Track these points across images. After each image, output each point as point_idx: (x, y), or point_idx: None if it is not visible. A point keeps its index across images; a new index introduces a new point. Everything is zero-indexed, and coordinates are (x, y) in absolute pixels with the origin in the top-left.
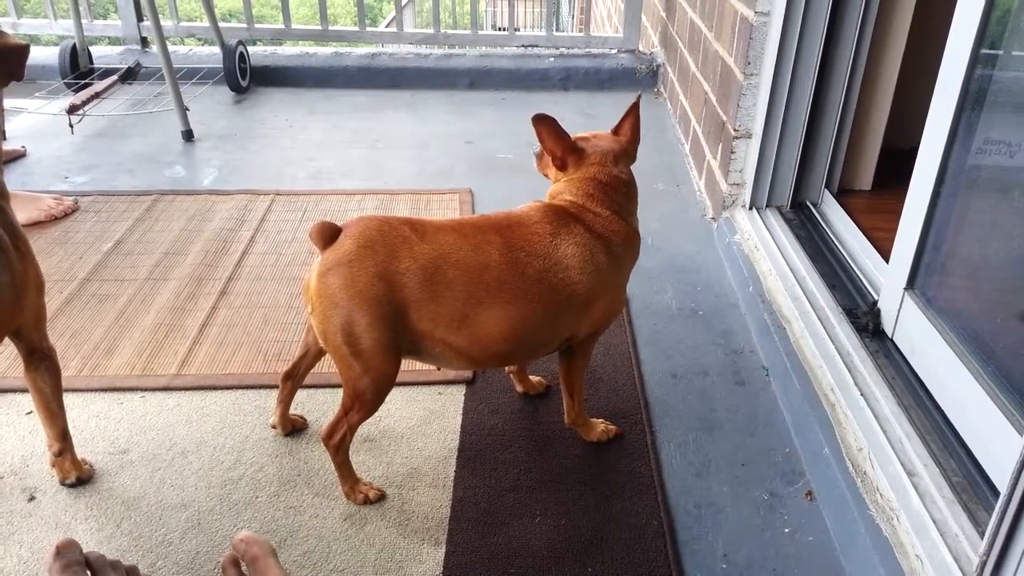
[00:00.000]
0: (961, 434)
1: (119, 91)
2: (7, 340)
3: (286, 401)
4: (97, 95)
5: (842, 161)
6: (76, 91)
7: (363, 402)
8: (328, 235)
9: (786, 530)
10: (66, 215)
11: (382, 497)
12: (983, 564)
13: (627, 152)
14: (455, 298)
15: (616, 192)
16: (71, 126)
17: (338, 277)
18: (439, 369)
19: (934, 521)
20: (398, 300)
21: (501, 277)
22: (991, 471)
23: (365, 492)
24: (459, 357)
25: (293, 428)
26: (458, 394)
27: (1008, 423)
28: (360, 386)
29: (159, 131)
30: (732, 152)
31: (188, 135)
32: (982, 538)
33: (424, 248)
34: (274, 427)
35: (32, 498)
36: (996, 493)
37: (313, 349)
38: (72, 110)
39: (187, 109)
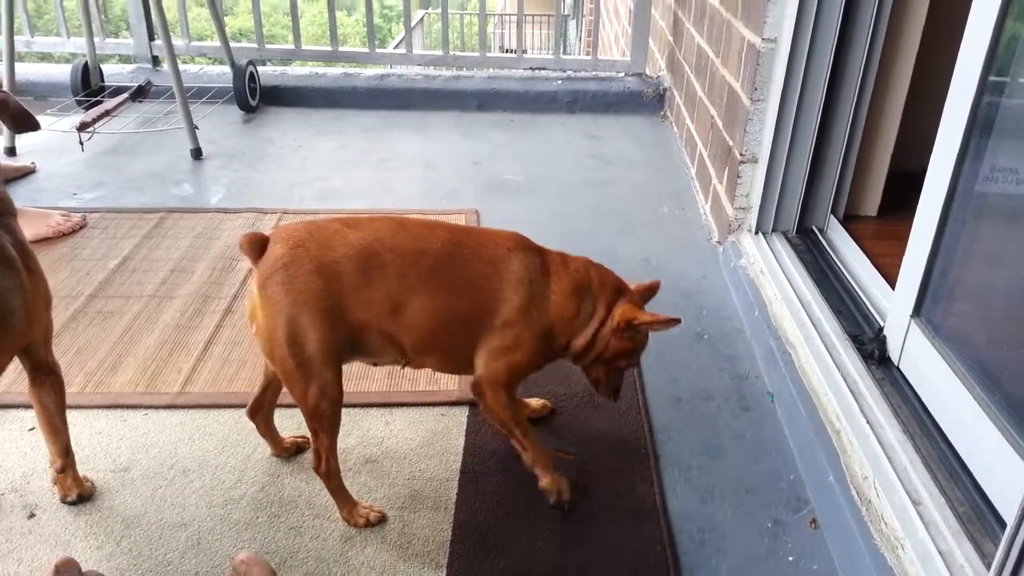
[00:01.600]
0: (967, 463)
1: (129, 109)
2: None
3: (268, 433)
4: (108, 113)
5: (848, 187)
6: (87, 108)
7: (321, 418)
8: (258, 246)
9: (790, 558)
10: (74, 232)
11: (383, 519)
12: None
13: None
14: (388, 282)
15: (594, 278)
16: (81, 143)
17: (277, 283)
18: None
19: (939, 551)
20: (336, 291)
21: (437, 266)
22: (997, 501)
23: (365, 515)
24: (393, 347)
25: (298, 450)
26: (461, 415)
27: (1015, 453)
28: (311, 399)
29: (168, 149)
30: (738, 176)
31: (197, 153)
32: (988, 569)
33: (357, 235)
34: (277, 456)
35: (32, 515)
36: (1002, 524)
37: (275, 381)
38: (83, 127)
39: (196, 128)
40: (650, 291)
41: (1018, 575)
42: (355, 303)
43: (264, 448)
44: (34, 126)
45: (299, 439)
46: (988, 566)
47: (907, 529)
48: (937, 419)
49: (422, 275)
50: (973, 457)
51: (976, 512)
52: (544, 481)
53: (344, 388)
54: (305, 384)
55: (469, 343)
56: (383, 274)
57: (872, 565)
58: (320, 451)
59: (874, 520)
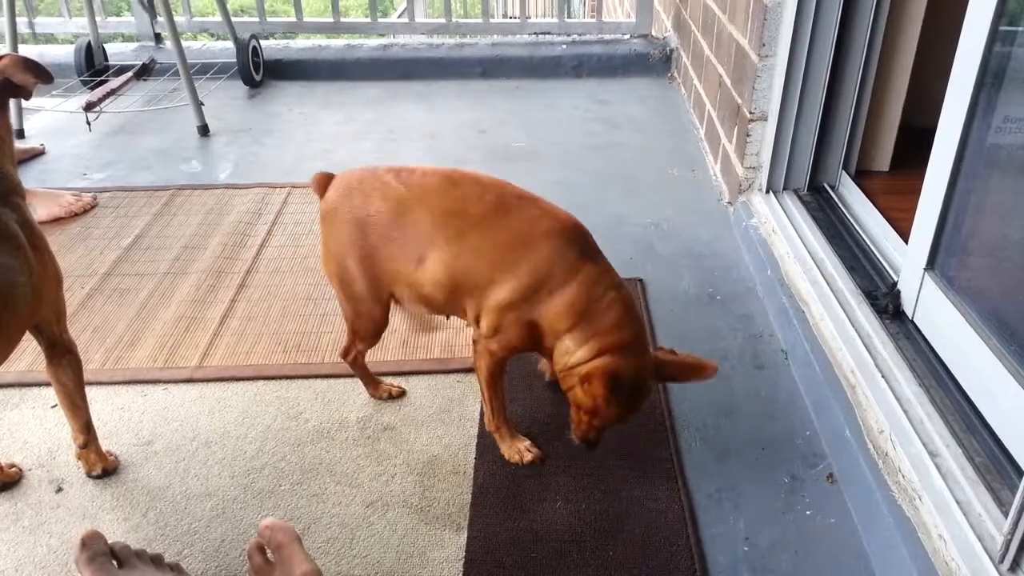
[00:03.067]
0: (983, 414)
1: (134, 88)
2: (29, 335)
3: (365, 374)
4: (113, 92)
5: (859, 142)
6: (92, 88)
7: (363, 337)
8: (324, 185)
9: (807, 512)
10: (85, 211)
11: (403, 393)
12: (1007, 543)
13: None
14: (418, 238)
15: (615, 313)
16: (88, 123)
17: (326, 226)
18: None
19: (957, 501)
20: (370, 242)
21: (466, 228)
22: (1014, 450)
23: (388, 389)
24: (418, 299)
25: (390, 396)
26: (476, 382)
27: None
28: (356, 326)
29: (175, 126)
30: (748, 135)
31: (204, 130)
32: (1006, 518)
33: (398, 191)
34: (374, 397)
35: (59, 489)
36: (1020, 472)
37: None
38: (89, 107)
39: (202, 104)
40: (696, 370)
41: None
42: (387, 255)
43: (284, 419)
44: (47, 76)
45: (393, 387)
46: (1006, 514)
47: (924, 480)
48: (952, 371)
49: (449, 236)
50: (989, 407)
51: (993, 462)
52: (502, 449)
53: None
54: (354, 315)
55: (477, 301)
56: (415, 230)
57: (890, 517)
58: (352, 349)
59: (891, 472)
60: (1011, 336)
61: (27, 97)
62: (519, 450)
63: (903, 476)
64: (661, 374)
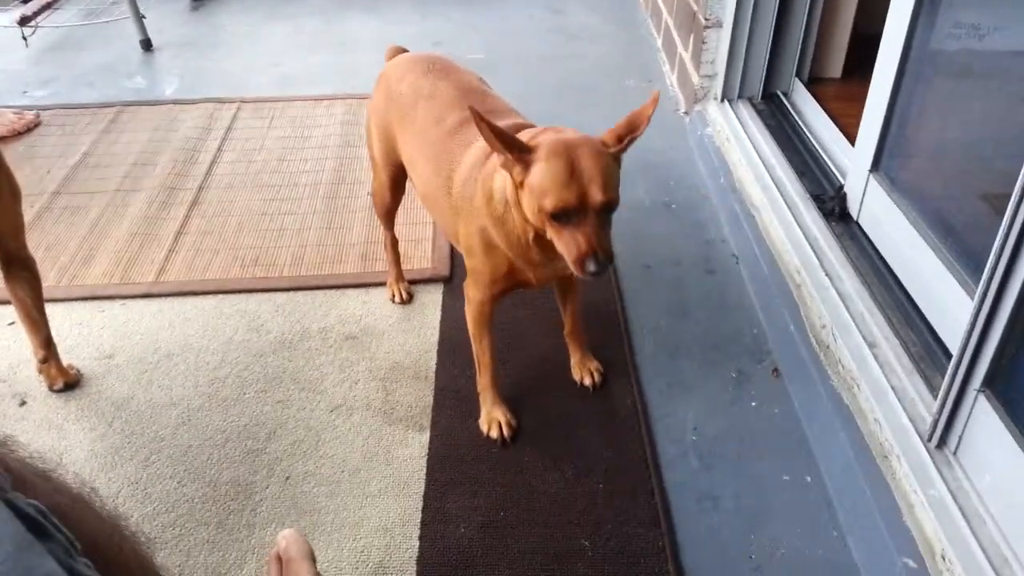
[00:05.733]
0: (921, 308)
1: (71, 1)
2: None
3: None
4: (49, 6)
5: (812, 49)
6: (25, 2)
7: (375, 205)
8: (392, 56)
9: (753, 404)
10: (29, 129)
11: (404, 301)
12: (935, 423)
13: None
14: (412, 135)
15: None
16: (24, 38)
17: (374, 88)
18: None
19: (892, 388)
20: (388, 117)
21: (432, 137)
22: (948, 341)
23: (398, 291)
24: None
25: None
26: (436, 292)
27: (964, 292)
28: (373, 185)
29: (116, 41)
30: (703, 43)
31: (147, 44)
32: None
33: (421, 84)
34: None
35: (23, 403)
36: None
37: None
38: (24, 21)
39: (143, 17)
40: (639, 115)
41: (961, 401)
42: (397, 135)
43: (245, 331)
44: None
45: (403, 293)
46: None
47: (862, 369)
48: (893, 268)
49: (421, 142)
50: (926, 301)
51: (927, 351)
52: (481, 418)
53: (324, 269)
54: (373, 174)
55: (450, 219)
56: (412, 126)
57: (830, 404)
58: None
59: (831, 364)
60: (948, 232)
61: None
62: (491, 421)
63: (842, 367)
64: (609, 141)
